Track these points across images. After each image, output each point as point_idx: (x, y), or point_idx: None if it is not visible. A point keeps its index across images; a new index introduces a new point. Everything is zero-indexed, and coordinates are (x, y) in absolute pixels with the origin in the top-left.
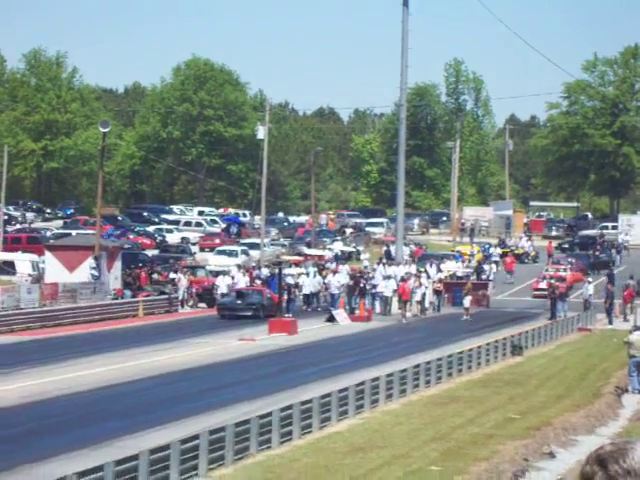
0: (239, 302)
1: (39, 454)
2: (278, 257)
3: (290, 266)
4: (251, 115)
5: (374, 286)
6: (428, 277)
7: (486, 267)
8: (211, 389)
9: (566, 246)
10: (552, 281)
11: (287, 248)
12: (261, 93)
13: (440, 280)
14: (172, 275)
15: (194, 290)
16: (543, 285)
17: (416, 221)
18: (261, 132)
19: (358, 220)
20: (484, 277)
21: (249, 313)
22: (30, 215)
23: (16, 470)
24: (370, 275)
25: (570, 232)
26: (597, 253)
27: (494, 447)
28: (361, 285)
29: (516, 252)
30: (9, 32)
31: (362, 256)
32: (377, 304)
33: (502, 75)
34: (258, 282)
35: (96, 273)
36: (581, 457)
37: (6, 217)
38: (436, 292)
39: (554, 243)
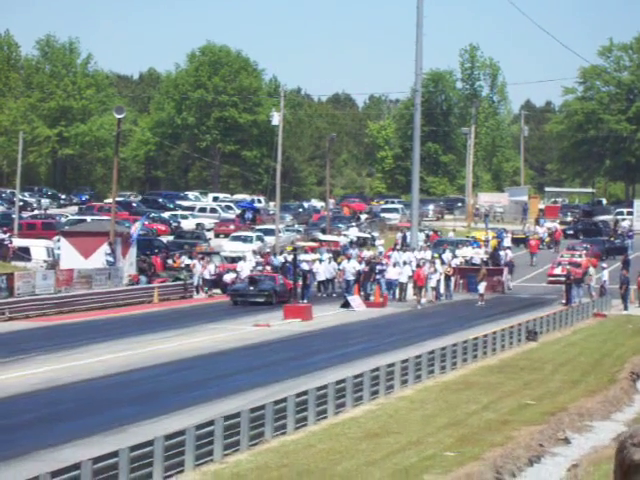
0: (251, 288)
1: (54, 440)
2: (293, 243)
3: (305, 252)
4: (266, 101)
5: (381, 272)
6: (443, 263)
7: (501, 253)
8: (226, 375)
9: (571, 232)
10: (568, 267)
11: (302, 234)
12: (275, 79)
13: (450, 265)
14: (187, 261)
15: (209, 277)
16: (558, 271)
17: (431, 207)
18: (276, 118)
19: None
20: (502, 262)
21: (261, 299)
22: (45, 201)
23: (32, 456)
24: (378, 261)
25: (585, 218)
26: (611, 239)
27: (509, 433)
28: (376, 271)
29: (531, 238)
30: (23, 18)
31: (377, 242)
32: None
33: (517, 61)
34: (267, 268)
35: (111, 259)
36: (596, 443)
37: (21, 203)
38: (446, 276)
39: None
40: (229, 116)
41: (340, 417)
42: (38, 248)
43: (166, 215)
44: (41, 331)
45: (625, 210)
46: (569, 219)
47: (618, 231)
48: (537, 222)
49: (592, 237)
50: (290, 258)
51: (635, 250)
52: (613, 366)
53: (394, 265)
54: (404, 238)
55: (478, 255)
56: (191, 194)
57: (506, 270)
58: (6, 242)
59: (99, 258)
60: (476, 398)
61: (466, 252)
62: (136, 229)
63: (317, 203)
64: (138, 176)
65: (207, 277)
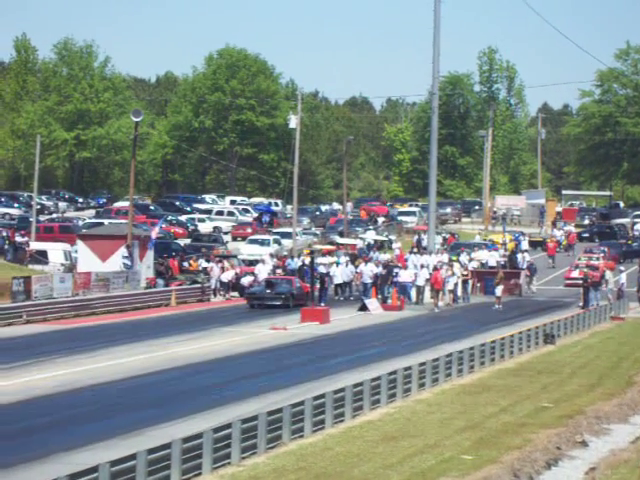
0: (268, 291)
1: (73, 442)
2: (310, 246)
3: (323, 255)
4: (283, 104)
5: (397, 274)
6: (461, 266)
7: (519, 256)
8: (243, 378)
9: (587, 235)
10: (585, 270)
11: (319, 237)
12: (292, 82)
13: (466, 268)
14: (204, 264)
15: (226, 280)
16: (575, 274)
17: (448, 210)
18: (293, 121)
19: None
20: (519, 265)
21: (278, 302)
22: (62, 204)
23: (50, 458)
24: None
25: (602, 221)
26: (629, 242)
27: (527, 436)
28: (393, 274)
29: (549, 241)
30: (40, 22)
31: (394, 245)
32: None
33: (534, 63)
34: (279, 271)
35: (128, 262)
36: (614, 446)
37: (39, 206)
38: (464, 279)
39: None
40: (246, 119)
41: (357, 420)
42: (56, 251)
43: (183, 218)
44: (59, 334)
45: None
46: (586, 222)
47: (636, 234)
48: (554, 225)
49: (607, 240)
50: (307, 261)
51: None
52: (631, 369)
53: (406, 268)
54: (419, 241)
55: (493, 258)
56: (208, 197)
57: (524, 273)
58: (24, 245)
59: (116, 261)
60: (494, 401)
61: (482, 255)
62: (156, 233)
63: (338, 206)
64: (155, 179)
65: (224, 280)
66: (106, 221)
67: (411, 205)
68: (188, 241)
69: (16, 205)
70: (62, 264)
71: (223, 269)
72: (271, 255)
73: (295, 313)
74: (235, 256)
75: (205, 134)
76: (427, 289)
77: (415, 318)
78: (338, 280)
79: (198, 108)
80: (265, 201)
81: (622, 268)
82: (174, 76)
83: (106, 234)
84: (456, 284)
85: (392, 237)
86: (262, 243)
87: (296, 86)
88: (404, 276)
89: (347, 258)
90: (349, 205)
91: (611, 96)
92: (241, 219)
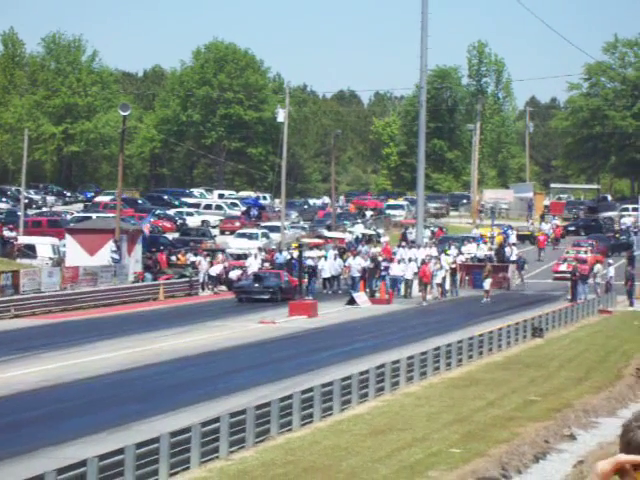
0: (256, 285)
1: (60, 437)
2: (298, 240)
3: (311, 249)
4: (271, 98)
5: (387, 268)
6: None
7: (507, 249)
8: (231, 372)
9: (572, 228)
10: (574, 263)
11: (307, 231)
12: (279, 76)
13: (454, 261)
14: (193, 258)
15: (215, 274)
16: (564, 267)
17: (439, 204)
18: (281, 115)
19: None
20: (507, 258)
21: (266, 296)
22: (50, 199)
23: (37, 453)
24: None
25: (590, 214)
26: (616, 235)
27: (515, 429)
28: (381, 268)
29: (538, 234)
30: (27, 15)
31: (382, 239)
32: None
33: (522, 57)
34: (267, 265)
35: (117, 256)
36: (602, 439)
37: (27, 201)
38: (452, 273)
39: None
40: (234, 113)
41: (346, 414)
42: (44, 245)
43: (171, 212)
44: (46, 328)
45: (630, 206)
46: (572, 215)
47: (622, 227)
48: (542, 218)
49: (593, 233)
50: (296, 255)
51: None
52: (618, 362)
53: (399, 262)
54: (404, 235)
55: (481, 251)
56: (196, 191)
57: (512, 267)
58: (12, 240)
59: (105, 255)
60: (481, 394)
61: (471, 249)
62: (148, 228)
63: (328, 200)
64: (143, 173)
65: (213, 274)
66: (94, 215)
67: (406, 199)
68: (176, 235)
69: (4, 199)
70: (50, 258)
71: (212, 263)
72: (259, 249)
73: (283, 307)
74: (223, 250)
75: (193, 128)
76: (415, 283)
77: (403, 312)
78: (326, 274)
79: (186, 102)
80: (253, 195)
81: (611, 261)
82: (162, 70)
83: (94, 228)
84: (444, 278)
85: (380, 231)
86: (250, 237)
87: (284, 80)
88: (395, 270)
89: (335, 252)
90: (341, 199)
91: (599, 89)
92: (229, 213)
